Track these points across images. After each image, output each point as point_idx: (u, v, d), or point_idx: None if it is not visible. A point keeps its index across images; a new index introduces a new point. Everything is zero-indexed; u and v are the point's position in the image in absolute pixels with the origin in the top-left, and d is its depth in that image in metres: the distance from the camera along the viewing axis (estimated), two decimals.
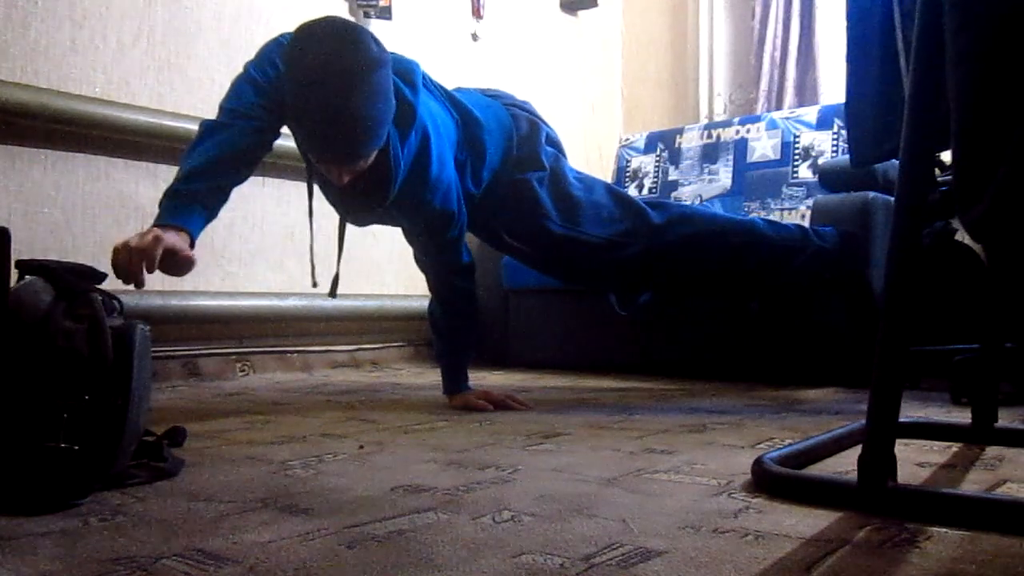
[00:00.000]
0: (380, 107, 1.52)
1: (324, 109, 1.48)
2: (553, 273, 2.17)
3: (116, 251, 1.37)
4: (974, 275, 2.19)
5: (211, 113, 1.64)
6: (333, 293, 1.88)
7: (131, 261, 1.35)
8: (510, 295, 3.05)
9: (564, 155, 2.07)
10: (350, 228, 1.94)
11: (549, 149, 2.01)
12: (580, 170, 2.12)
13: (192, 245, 1.47)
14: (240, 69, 1.65)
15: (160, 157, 2.45)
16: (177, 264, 1.43)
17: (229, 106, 1.61)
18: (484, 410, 1.80)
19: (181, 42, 2.53)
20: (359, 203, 1.78)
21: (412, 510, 0.94)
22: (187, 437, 1.28)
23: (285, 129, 1.67)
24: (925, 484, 1.10)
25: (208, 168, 1.53)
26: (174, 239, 1.41)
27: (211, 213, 1.54)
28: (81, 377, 0.95)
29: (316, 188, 1.81)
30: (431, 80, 1.86)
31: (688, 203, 2.07)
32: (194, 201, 1.49)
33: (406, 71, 1.69)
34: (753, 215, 2.09)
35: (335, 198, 1.81)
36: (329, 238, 1.92)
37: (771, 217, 2.96)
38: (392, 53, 1.76)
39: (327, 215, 1.91)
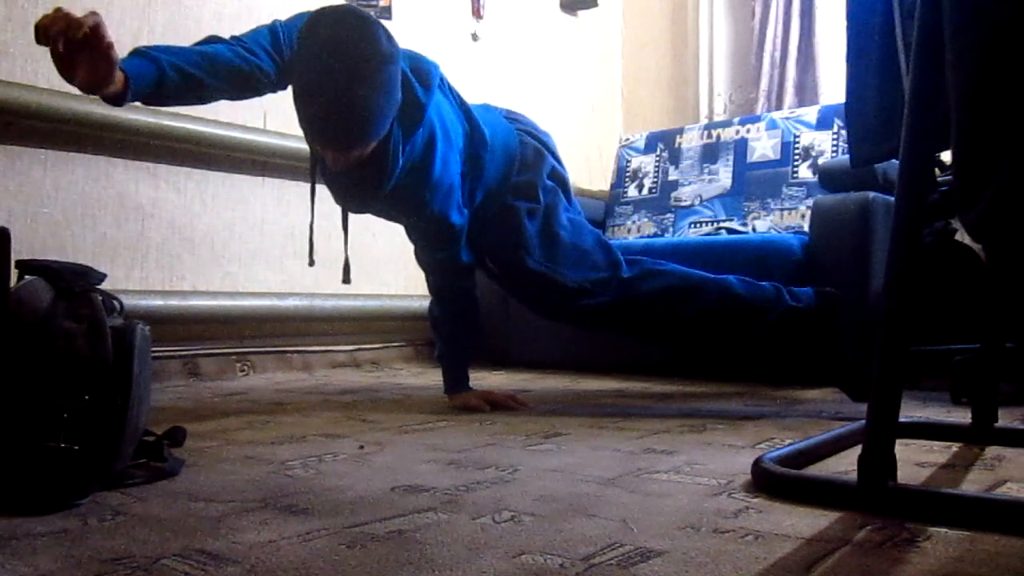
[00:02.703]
0: (382, 101, 1.53)
1: (326, 95, 1.50)
2: (529, 304, 2.08)
3: (57, 8, 1.21)
4: (974, 275, 2.19)
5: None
6: (347, 279, 1.89)
7: (57, 19, 1.20)
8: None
9: (568, 192, 2.05)
10: (353, 225, 1.94)
11: (549, 183, 2.00)
12: (581, 179, 2.09)
13: (125, 93, 1.35)
14: None
15: (160, 157, 2.45)
16: (93, 52, 1.24)
17: (239, 36, 1.59)
18: (484, 410, 1.81)
19: (181, 42, 2.52)
20: (354, 191, 1.79)
21: (412, 510, 0.94)
22: (187, 437, 1.28)
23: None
24: (925, 484, 1.10)
25: (183, 52, 1.49)
26: (111, 38, 1.25)
27: (161, 83, 1.43)
28: (81, 377, 0.95)
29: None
30: (451, 88, 1.88)
31: (672, 265, 1.99)
32: (148, 59, 1.41)
33: (424, 71, 1.71)
34: (729, 275, 2.01)
35: (331, 182, 1.82)
36: (330, 236, 1.92)
37: (771, 213, 2.96)
38: (415, 53, 1.76)
39: (333, 213, 1.91)
